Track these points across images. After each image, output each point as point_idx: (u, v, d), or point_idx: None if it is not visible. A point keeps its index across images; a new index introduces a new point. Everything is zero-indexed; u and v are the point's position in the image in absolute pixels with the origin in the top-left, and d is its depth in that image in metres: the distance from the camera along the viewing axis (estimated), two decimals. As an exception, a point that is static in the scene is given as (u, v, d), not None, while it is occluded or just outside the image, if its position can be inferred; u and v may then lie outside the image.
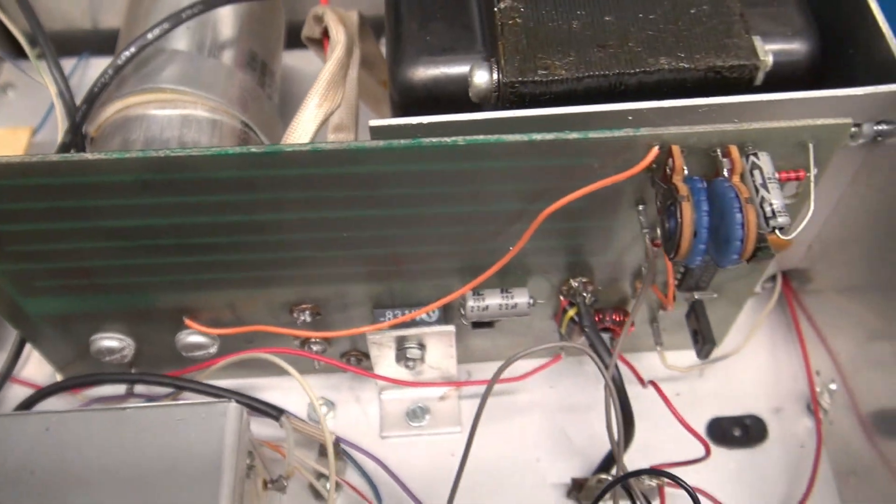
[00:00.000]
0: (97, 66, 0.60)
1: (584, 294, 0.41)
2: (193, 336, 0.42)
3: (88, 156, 0.31)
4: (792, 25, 0.38)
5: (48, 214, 0.34)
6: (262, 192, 0.33)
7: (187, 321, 0.41)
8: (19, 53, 0.58)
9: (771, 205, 0.31)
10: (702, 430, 0.46)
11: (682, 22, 0.35)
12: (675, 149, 0.31)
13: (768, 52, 0.35)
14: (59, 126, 0.47)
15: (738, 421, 0.46)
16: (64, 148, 0.45)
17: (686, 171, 0.32)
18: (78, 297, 0.39)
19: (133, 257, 0.36)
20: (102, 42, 0.60)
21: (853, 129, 0.37)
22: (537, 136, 0.31)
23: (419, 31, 0.38)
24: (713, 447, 0.46)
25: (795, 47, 0.37)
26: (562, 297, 0.42)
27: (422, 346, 0.42)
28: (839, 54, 0.39)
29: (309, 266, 0.38)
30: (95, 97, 0.44)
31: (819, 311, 0.47)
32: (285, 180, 0.32)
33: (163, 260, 0.37)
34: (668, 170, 0.32)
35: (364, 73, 0.49)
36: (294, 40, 0.55)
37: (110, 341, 0.42)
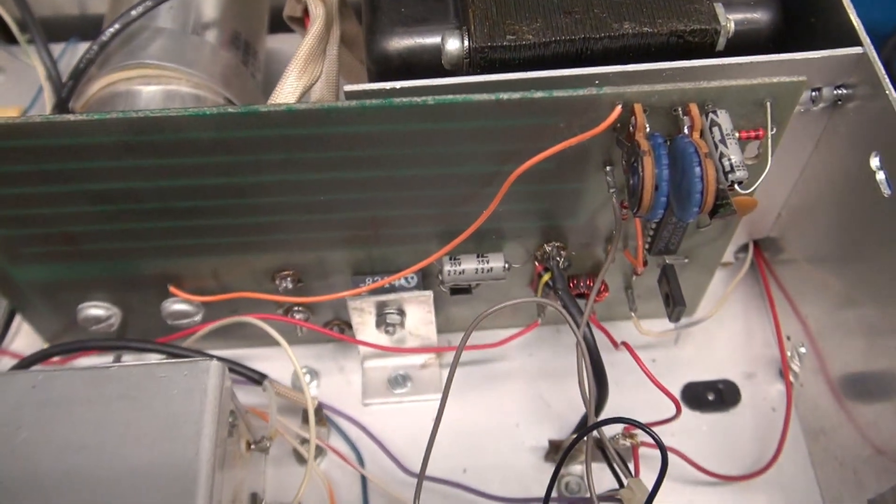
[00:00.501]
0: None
1: (558, 259, 0.42)
2: (178, 304, 0.43)
3: (70, 117, 0.32)
4: (755, -5, 0.39)
5: (33, 178, 0.35)
6: (240, 154, 0.34)
7: (172, 289, 0.42)
8: (8, 39, 0.59)
9: (729, 160, 0.32)
10: (677, 395, 0.47)
11: (646, -11, 0.37)
12: (638, 107, 0.33)
13: (729, 18, 0.37)
14: (47, 102, 0.48)
15: (711, 385, 0.47)
16: (51, 124, 0.46)
17: (648, 129, 0.33)
18: (64, 264, 0.40)
19: (117, 222, 0.38)
20: (90, 27, 0.61)
21: (813, 94, 0.38)
22: (504, 96, 0.32)
23: (394, 2, 0.39)
24: (688, 411, 0.47)
25: (758, 16, 0.39)
26: (537, 263, 0.43)
27: (401, 312, 0.43)
28: (801, 23, 0.41)
29: (289, 231, 0.39)
30: (81, 73, 0.45)
31: (790, 279, 0.48)
32: (262, 141, 0.34)
33: (147, 225, 0.38)
34: (631, 128, 0.33)
35: (345, 51, 0.50)
36: (279, 23, 0.56)
37: (97, 310, 0.43)
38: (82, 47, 0.62)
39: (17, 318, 0.48)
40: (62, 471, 0.33)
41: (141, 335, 0.45)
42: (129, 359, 0.46)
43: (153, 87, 0.45)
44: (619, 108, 0.33)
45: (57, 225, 0.37)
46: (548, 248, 0.42)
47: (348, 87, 0.35)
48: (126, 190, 0.36)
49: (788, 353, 0.47)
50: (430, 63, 0.38)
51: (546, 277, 0.42)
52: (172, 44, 0.46)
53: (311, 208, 0.38)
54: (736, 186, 0.32)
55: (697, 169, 0.31)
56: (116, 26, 0.45)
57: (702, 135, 0.33)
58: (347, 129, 0.34)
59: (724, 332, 0.50)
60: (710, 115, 0.33)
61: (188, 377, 0.35)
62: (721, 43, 0.37)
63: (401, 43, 0.39)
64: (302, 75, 0.42)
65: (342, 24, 0.48)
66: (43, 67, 0.50)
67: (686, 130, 0.33)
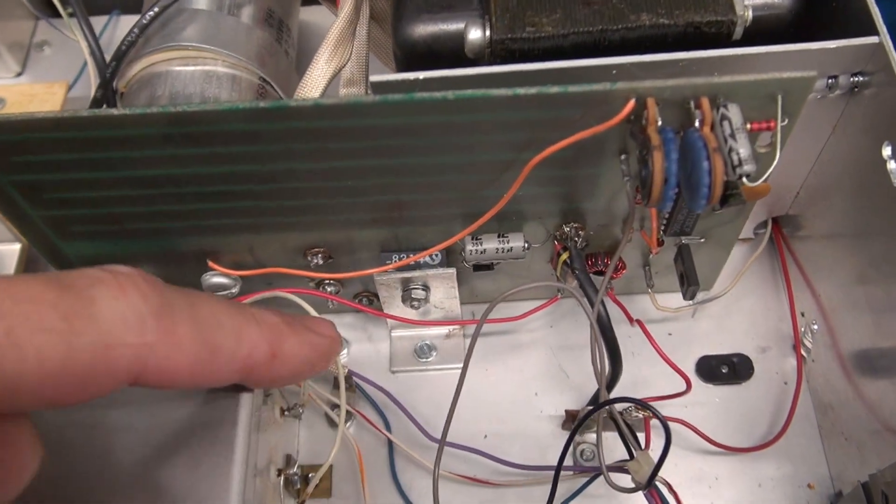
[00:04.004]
0: (127, 24, 0.64)
1: (576, 239, 0.43)
2: (217, 277, 0.45)
3: (114, 111, 0.34)
4: (776, -20, 0.39)
5: (80, 165, 0.37)
6: (270, 144, 0.36)
7: (211, 263, 0.45)
8: (53, 12, 0.62)
9: (738, 153, 0.33)
10: (691, 368, 0.49)
11: (664, -20, 0.37)
12: (650, 101, 0.34)
13: (747, 6, 0.37)
14: (92, 82, 0.51)
15: (725, 359, 0.49)
16: (96, 103, 0.48)
17: (660, 123, 0.34)
18: (110, 241, 0.43)
19: (158, 204, 0.40)
20: (132, 1, 0.63)
21: (830, 81, 0.39)
22: (521, 91, 0.34)
23: (420, -12, 0.40)
24: (702, 384, 0.49)
25: (778, 1, 0.39)
26: (556, 242, 0.44)
27: (426, 288, 0.46)
28: (824, 8, 0.41)
29: (318, 213, 0.41)
30: (123, 55, 0.48)
31: (806, 256, 0.49)
32: (291, 132, 0.35)
33: (185, 206, 0.40)
34: (644, 122, 0.34)
35: (376, 27, 0.51)
36: (310, -3, 0.58)
37: (141, 281, 0.46)
38: (124, 20, 0.64)
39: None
40: (115, 417, 0.36)
41: (182, 304, 0.48)
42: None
43: (191, 67, 0.47)
44: (632, 102, 0.34)
45: (102, 206, 0.40)
46: (566, 229, 0.43)
47: (374, 78, 0.37)
48: (165, 176, 0.38)
49: (801, 329, 0.48)
50: (454, 49, 0.40)
51: (564, 256, 0.44)
52: (209, 25, 0.48)
53: (340, 193, 0.40)
54: (744, 179, 0.33)
55: (706, 164, 0.32)
56: (156, 9, 0.47)
57: (713, 128, 0.34)
58: (371, 122, 0.35)
59: (740, 307, 0.51)
60: (721, 108, 0.34)
61: (225, 350, 0.38)
62: (738, 32, 0.37)
63: (426, 29, 0.40)
64: (332, 59, 0.44)
65: (372, 1, 0.49)
66: (85, 42, 0.52)
67: (697, 124, 0.34)
